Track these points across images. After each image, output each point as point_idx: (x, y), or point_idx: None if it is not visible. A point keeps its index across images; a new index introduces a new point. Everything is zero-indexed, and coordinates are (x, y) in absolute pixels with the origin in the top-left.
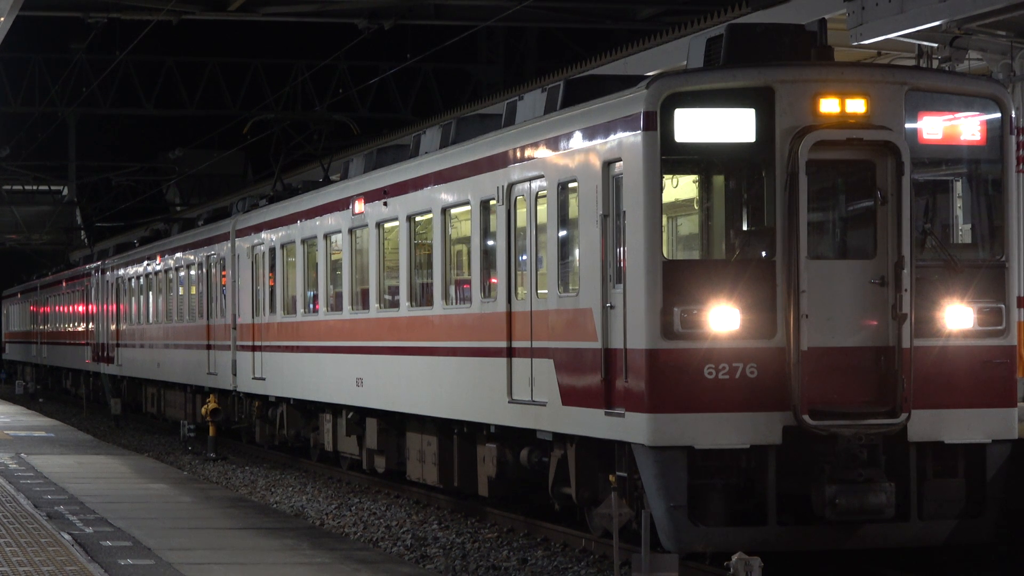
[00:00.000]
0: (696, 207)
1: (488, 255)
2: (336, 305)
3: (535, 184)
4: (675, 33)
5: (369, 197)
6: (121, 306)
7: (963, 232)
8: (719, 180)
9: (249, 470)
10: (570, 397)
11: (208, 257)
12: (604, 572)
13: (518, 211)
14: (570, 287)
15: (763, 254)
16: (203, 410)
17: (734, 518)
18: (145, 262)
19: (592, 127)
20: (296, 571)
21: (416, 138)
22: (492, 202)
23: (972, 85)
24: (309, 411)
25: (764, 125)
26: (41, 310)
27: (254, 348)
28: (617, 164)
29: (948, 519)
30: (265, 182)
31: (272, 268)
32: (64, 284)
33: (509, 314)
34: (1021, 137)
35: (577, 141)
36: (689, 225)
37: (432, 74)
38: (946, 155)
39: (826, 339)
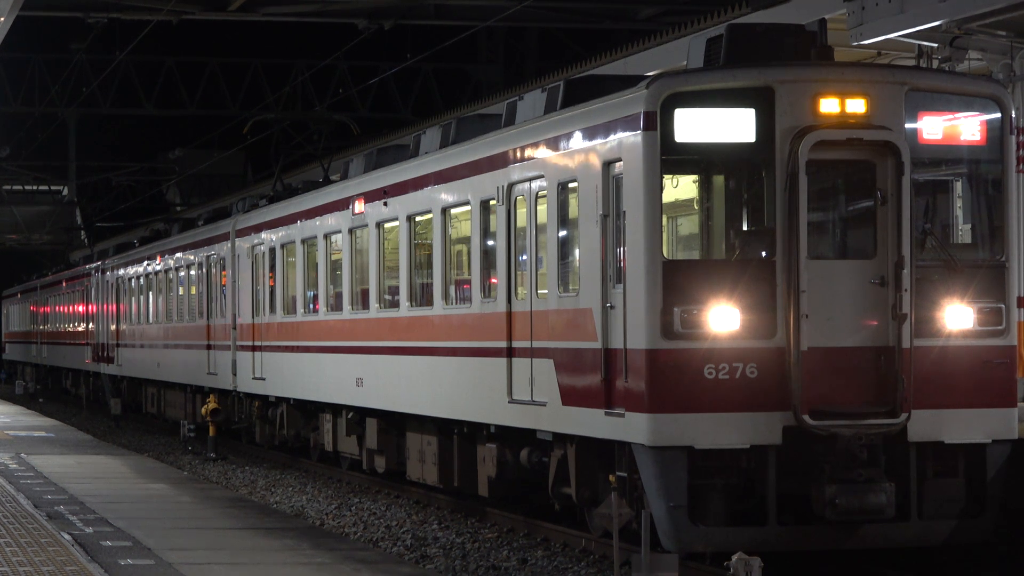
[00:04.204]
0: (696, 207)
1: (488, 255)
2: (336, 305)
3: (535, 184)
4: (675, 33)
5: (369, 197)
6: (121, 306)
7: (963, 232)
8: (719, 180)
9: (249, 470)
10: (570, 397)
11: (208, 257)
12: (604, 572)
13: (518, 211)
14: (570, 287)
15: (763, 254)
16: (203, 410)
17: (734, 518)
18: (145, 262)
19: (592, 127)
20: (296, 571)
21: (416, 138)
22: (492, 202)
23: (972, 85)
24: (309, 411)
25: (764, 125)
26: (41, 310)
27: (254, 348)
28: (617, 164)
29: (948, 519)
30: (265, 182)
31: (272, 268)
32: (64, 284)
33: (509, 314)
34: (1021, 137)
35: (577, 141)
36: (689, 225)
37: (432, 74)
38: (946, 155)
39: (826, 339)
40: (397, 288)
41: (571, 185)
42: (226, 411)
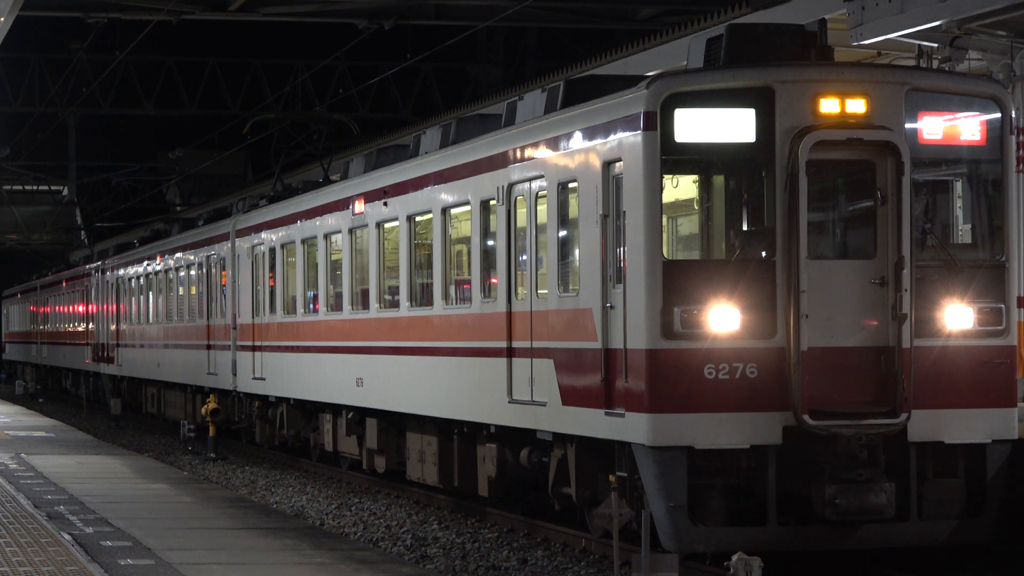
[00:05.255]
0: (696, 207)
1: (488, 255)
2: (336, 305)
3: (535, 184)
4: (675, 33)
5: (369, 197)
6: (121, 306)
7: (963, 232)
8: (719, 180)
9: (249, 470)
10: (570, 397)
11: (208, 257)
12: (604, 572)
13: (518, 211)
14: (570, 287)
15: (763, 254)
16: (203, 410)
17: (734, 518)
18: (145, 262)
19: (592, 127)
20: (296, 571)
21: (416, 138)
22: (492, 202)
23: (972, 85)
24: (309, 411)
25: (764, 125)
26: (41, 310)
27: (254, 348)
28: (617, 164)
29: (948, 519)
30: (265, 182)
31: (272, 268)
32: (64, 284)
33: (509, 314)
34: (1021, 137)
35: (577, 141)
36: (689, 225)
37: (432, 74)
38: (946, 155)
39: (826, 339)
40: (397, 288)
41: (571, 185)
42: (226, 411)
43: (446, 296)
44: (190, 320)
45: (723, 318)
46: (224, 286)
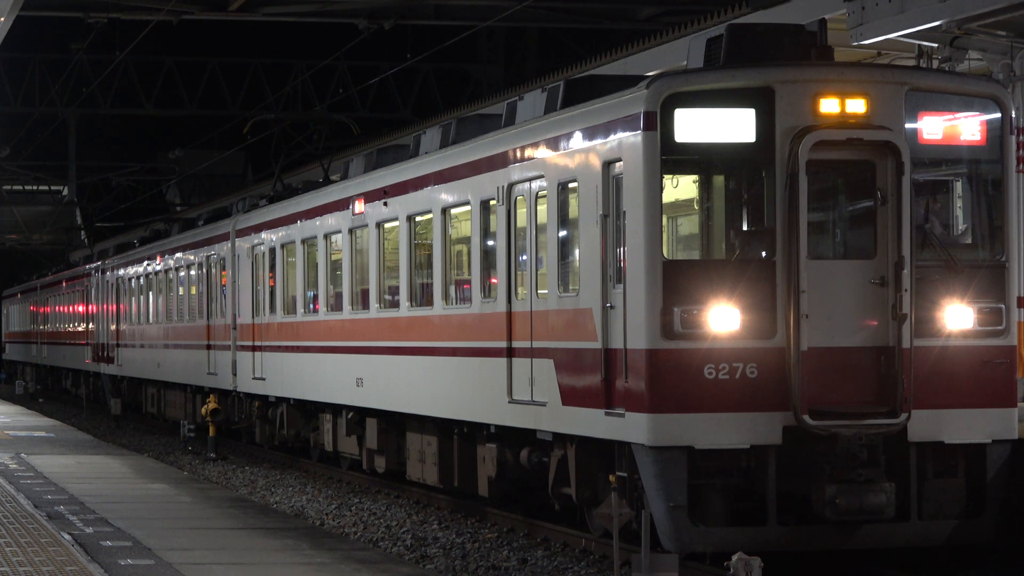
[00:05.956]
0: (696, 207)
1: (488, 255)
2: (336, 305)
3: (535, 184)
4: (675, 33)
5: (369, 197)
6: (121, 306)
7: (963, 232)
8: (719, 180)
9: (249, 470)
10: (570, 397)
11: (208, 257)
12: (604, 572)
13: (518, 211)
14: (570, 287)
15: (763, 254)
16: (203, 410)
17: (734, 518)
18: (145, 262)
19: (592, 127)
20: (296, 571)
21: (416, 138)
22: (492, 202)
23: (972, 85)
24: (309, 411)
25: (764, 125)
26: (41, 310)
27: (254, 348)
28: (617, 164)
29: (948, 519)
30: (265, 182)
31: (272, 268)
32: (64, 284)
33: (509, 314)
34: (1021, 137)
35: (577, 141)
36: (689, 225)
37: (432, 74)
38: (946, 155)
39: (826, 339)
40: (397, 288)
41: (571, 185)
42: (226, 411)
43: (446, 296)
44: (190, 320)
45: (723, 318)
46: (224, 286)
